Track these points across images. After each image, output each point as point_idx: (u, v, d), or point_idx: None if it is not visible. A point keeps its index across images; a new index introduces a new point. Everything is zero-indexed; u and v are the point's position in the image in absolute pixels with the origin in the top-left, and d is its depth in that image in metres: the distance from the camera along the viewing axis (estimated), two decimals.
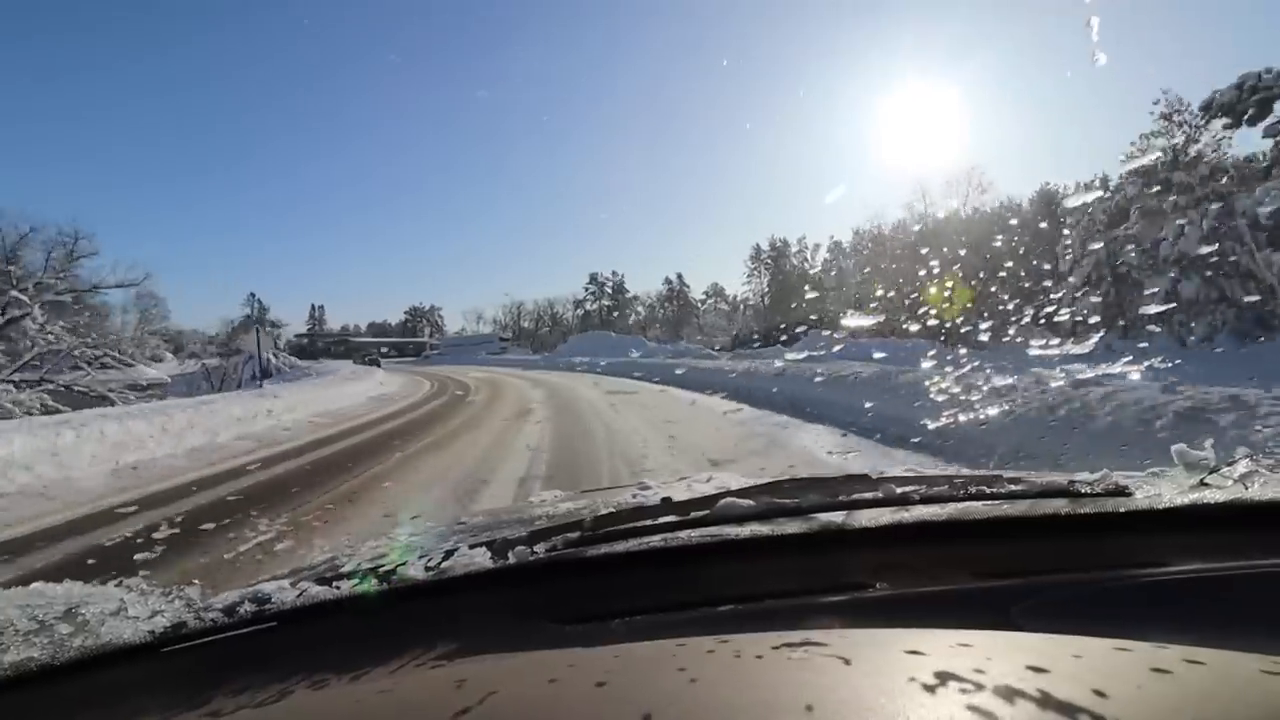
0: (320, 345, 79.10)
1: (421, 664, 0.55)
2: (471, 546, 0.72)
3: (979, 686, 0.36)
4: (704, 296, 71.58)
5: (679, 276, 73.18)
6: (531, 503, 1.29)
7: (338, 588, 0.68)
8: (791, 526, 0.74)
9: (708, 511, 0.76)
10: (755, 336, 45.69)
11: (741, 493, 0.80)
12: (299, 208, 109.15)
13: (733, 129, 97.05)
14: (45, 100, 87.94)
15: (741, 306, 66.78)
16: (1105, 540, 0.74)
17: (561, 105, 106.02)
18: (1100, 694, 0.35)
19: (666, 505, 0.83)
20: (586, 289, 74.44)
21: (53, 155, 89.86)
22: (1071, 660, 0.40)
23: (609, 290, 74.61)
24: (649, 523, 0.75)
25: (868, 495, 0.79)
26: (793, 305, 48.07)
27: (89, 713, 0.56)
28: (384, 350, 37.82)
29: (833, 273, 56.06)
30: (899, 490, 0.80)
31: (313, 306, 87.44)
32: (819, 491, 0.83)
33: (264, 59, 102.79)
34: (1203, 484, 0.81)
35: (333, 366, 30.89)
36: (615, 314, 69.88)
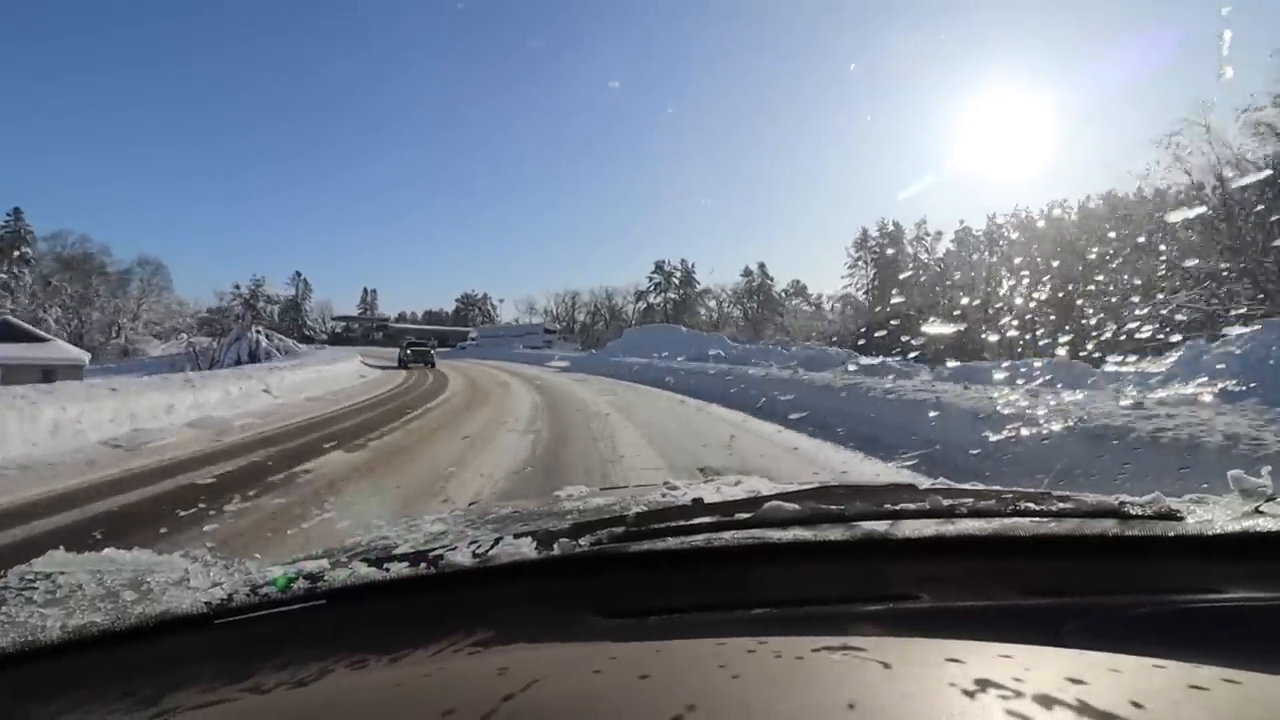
0: (360, 331, 72.46)
1: (460, 649, 0.59)
2: (516, 536, 0.76)
3: (1018, 694, 0.39)
4: (783, 293, 59.58)
5: (761, 267, 62.26)
6: (558, 496, 1.31)
7: (386, 569, 0.72)
8: (835, 533, 0.78)
9: (751, 514, 0.82)
10: (861, 340, 33.10)
11: (787, 497, 0.86)
12: (362, 193, 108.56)
13: (814, 120, 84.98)
14: (136, 83, 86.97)
15: (841, 304, 54.44)
16: (1154, 564, 0.78)
17: (633, 94, 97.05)
18: (1138, 705, 0.38)
19: (709, 506, 0.89)
20: (650, 278, 65.07)
21: (124, 139, 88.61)
22: (1109, 674, 0.44)
23: (676, 281, 64.38)
24: (692, 522, 0.81)
25: (913, 506, 0.84)
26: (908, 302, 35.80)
27: (143, 679, 0.60)
28: (419, 341, 29.73)
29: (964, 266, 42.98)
30: (945, 502, 0.84)
31: (364, 290, 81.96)
32: (864, 499, 0.88)
33: (340, 55, 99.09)
34: (1258, 511, 0.83)
35: (322, 353, 27.75)
36: (683, 308, 58.93)
